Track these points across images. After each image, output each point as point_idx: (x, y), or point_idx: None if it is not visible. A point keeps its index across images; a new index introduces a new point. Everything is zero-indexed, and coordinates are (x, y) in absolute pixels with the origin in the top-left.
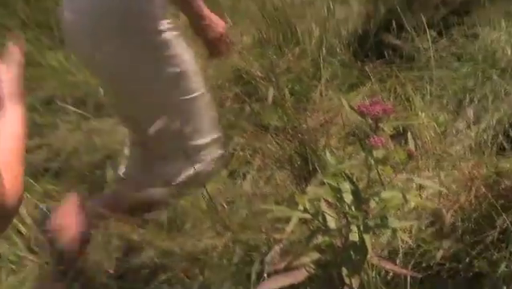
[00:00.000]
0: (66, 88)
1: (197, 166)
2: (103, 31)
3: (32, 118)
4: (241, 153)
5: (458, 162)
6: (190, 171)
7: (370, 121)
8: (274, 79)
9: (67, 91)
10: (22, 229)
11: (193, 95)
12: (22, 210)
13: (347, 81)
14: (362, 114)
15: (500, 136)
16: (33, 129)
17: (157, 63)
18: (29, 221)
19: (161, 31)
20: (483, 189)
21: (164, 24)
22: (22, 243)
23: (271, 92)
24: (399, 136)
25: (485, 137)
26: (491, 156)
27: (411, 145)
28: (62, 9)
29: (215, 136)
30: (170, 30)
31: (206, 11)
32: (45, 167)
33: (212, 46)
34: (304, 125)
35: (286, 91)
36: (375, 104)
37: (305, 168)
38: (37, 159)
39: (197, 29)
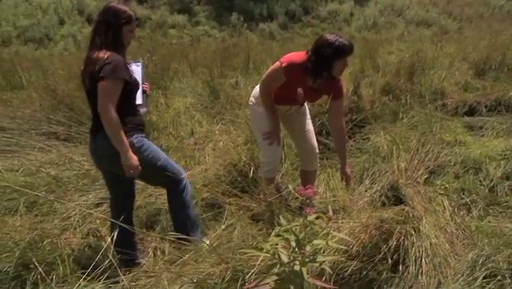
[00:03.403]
0: None
1: None
2: None
3: None
4: (233, 210)
5: (359, 214)
6: None
7: (304, 199)
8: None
9: None
10: None
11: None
12: None
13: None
14: (300, 194)
15: (383, 196)
16: None
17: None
18: None
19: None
20: (373, 231)
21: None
22: None
23: (251, 171)
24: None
25: (375, 196)
26: (378, 209)
27: (330, 212)
28: None
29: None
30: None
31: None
32: None
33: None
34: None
35: None
36: (308, 189)
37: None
38: None
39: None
